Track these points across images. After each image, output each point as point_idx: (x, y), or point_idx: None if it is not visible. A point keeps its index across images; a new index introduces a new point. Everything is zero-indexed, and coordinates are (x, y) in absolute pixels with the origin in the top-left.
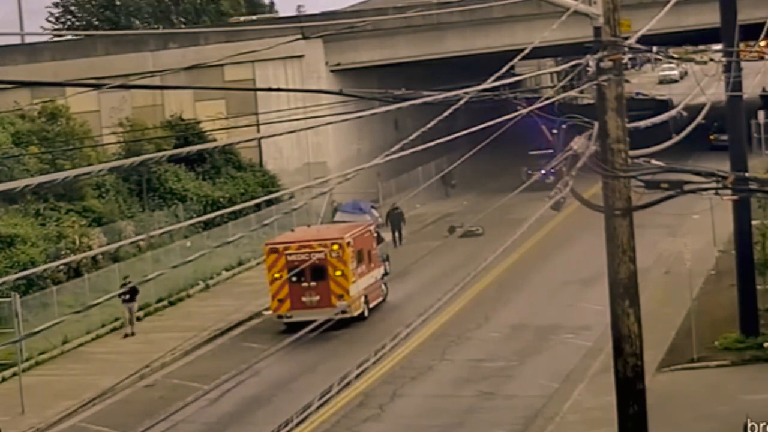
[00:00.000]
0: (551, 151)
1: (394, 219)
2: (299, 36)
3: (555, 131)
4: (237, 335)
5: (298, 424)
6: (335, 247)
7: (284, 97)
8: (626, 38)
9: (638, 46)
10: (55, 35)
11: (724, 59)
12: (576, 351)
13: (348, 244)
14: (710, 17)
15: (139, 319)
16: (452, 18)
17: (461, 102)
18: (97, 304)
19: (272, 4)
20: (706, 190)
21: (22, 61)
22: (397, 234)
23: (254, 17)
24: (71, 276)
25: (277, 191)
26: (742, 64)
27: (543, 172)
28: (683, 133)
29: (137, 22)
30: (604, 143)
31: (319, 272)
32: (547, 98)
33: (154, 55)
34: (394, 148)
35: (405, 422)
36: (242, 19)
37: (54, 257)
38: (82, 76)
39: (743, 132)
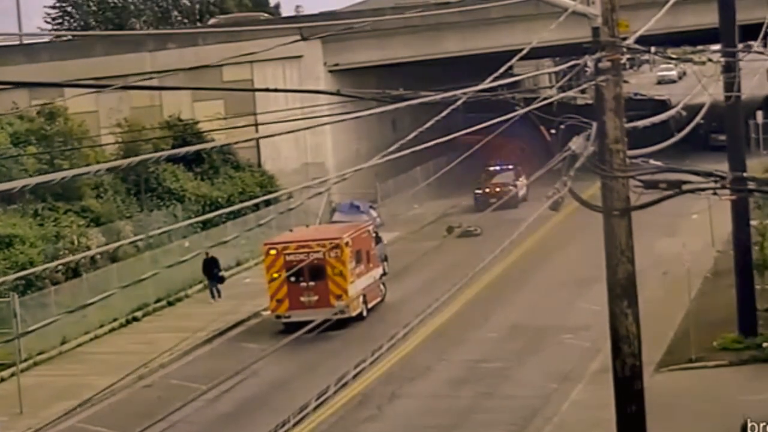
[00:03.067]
0: (511, 166)
1: (209, 267)
2: (298, 36)
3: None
4: (235, 335)
5: (296, 424)
6: (333, 247)
7: (282, 97)
8: (624, 38)
9: (636, 46)
10: (54, 36)
11: (722, 59)
12: (574, 351)
13: (346, 244)
14: (709, 17)
15: (136, 319)
16: (451, 18)
17: (459, 102)
18: (92, 303)
19: (278, 5)
20: (704, 190)
21: (20, 62)
22: (214, 288)
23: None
24: (69, 276)
25: (276, 191)
26: (741, 64)
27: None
28: (681, 133)
29: (139, 23)
30: (602, 143)
31: (317, 272)
32: (545, 98)
33: (152, 55)
34: (391, 148)
35: (403, 422)
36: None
37: (52, 257)
38: (80, 77)
39: (742, 132)
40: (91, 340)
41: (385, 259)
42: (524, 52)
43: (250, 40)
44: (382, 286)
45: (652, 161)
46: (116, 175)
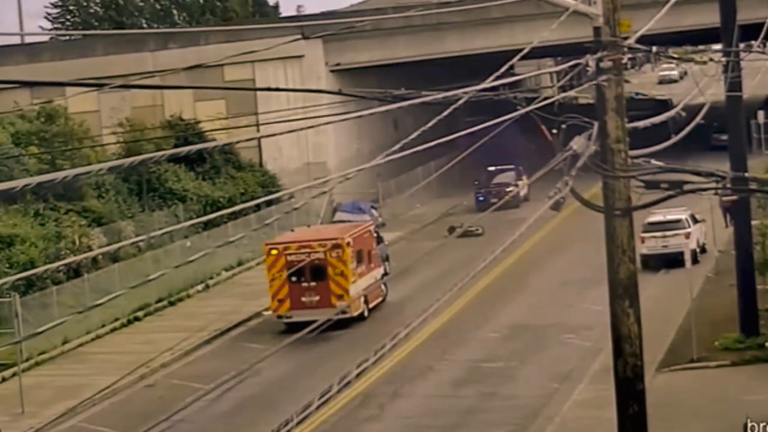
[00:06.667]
0: (512, 166)
1: None
2: (299, 36)
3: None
4: (237, 335)
5: (298, 424)
6: (335, 247)
7: (284, 97)
8: (626, 38)
9: (638, 46)
10: (55, 36)
11: (723, 59)
12: (576, 351)
13: (348, 244)
14: (710, 17)
15: (138, 319)
16: (452, 18)
17: (461, 101)
18: (99, 304)
19: (277, 5)
20: (705, 190)
21: (22, 62)
22: None
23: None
24: (71, 276)
25: (277, 191)
26: (742, 63)
27: (481, 193)
28: (682, 133)
29: (141, 21)
30: (603, 143)
31: (318, 272)
32: (547, 98)
33: (153, 55)
34: (393, 148)
35: (405, 422)
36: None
37: (54, 257)
38: (82, 76)
39: (743, 132)
40: (93, 339)
41: (387, 259)
42: (525, 51)
43: (252, 39)
44: (383, 286)
45: (653, 161)
46: (118, 175)
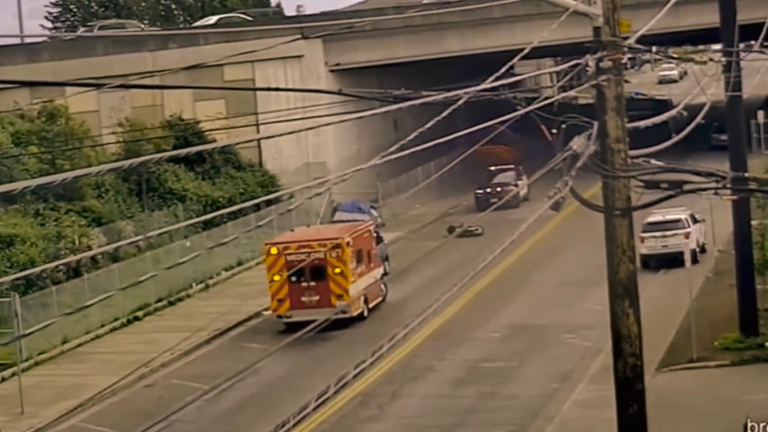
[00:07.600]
0: (512, 166)
1: None
2: (299, 36)
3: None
4: (237, 335)
5: (296, 424)
6: (334, 247)
7: (284, 97)
8: (626, 38)
9: (638, 45)
10: (55, 36)
11: (723, 59)
12: (576, 351)
13: (347, 243)
14: (710, 17)
15: (138, 319)
16: (451, 18)
17: (461, 102)
18: (94, 303)
19: (279, 5)
20: (705, 190)
21: (21, 61)
22: None
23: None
24: (71, 276)
25: (277, 191)
26: (742, 63)
27: (481, 193)
28: (682, 133)
29: (139, 23)
30: (603, 143)
31: (318, 272)
32: (546, 98)
33: (153, 55)
34: (392, 148)
35: (404, 422)
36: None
37: (53, 257)
38: (81, 76)
39: (743, 132)
40: (93, 339)
41: (387, 258)
42: (525, 51)
43: (252, 39)
44: (383, 286)
45: (653, 161)
46: (117, 175)
